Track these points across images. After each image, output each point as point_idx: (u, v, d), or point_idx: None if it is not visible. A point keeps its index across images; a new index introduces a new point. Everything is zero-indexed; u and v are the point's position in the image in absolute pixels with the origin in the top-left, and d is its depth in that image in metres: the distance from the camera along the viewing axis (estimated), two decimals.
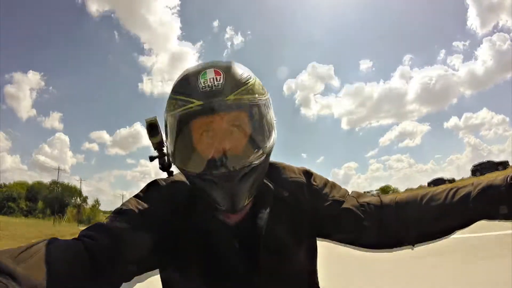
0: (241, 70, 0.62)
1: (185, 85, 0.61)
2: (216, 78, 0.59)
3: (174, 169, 0.82)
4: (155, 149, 0.81)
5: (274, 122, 0.67)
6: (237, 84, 0.59)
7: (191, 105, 0.58)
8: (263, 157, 0.61)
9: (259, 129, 0.63)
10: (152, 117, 0.78)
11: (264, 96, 0.64)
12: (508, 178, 0.58)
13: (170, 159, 0.71)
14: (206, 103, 0.57)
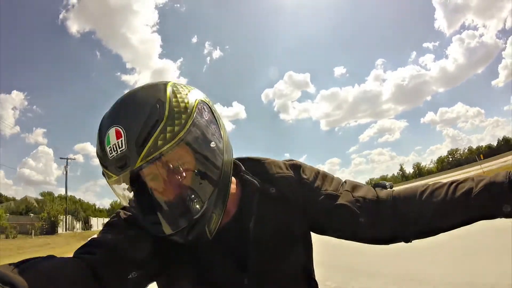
0: (143, 116, 0.51)
1: (99, 152, 0.54)
2: (118, 143, 0.50)
3: None
4: None
5: (213, 145, 0.57)
6: (142, 144, 0.50)
7: (110, 180, 0.54)
8: (207, 204, 0.56)
9: (187, 172, 0.55)
10: None
11: (183, 122, 0.53)
12: (510, 174, 0.56)
13: None
14: (119, 177, 0.52)
